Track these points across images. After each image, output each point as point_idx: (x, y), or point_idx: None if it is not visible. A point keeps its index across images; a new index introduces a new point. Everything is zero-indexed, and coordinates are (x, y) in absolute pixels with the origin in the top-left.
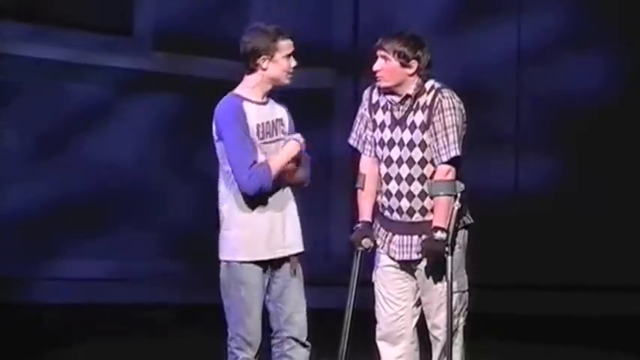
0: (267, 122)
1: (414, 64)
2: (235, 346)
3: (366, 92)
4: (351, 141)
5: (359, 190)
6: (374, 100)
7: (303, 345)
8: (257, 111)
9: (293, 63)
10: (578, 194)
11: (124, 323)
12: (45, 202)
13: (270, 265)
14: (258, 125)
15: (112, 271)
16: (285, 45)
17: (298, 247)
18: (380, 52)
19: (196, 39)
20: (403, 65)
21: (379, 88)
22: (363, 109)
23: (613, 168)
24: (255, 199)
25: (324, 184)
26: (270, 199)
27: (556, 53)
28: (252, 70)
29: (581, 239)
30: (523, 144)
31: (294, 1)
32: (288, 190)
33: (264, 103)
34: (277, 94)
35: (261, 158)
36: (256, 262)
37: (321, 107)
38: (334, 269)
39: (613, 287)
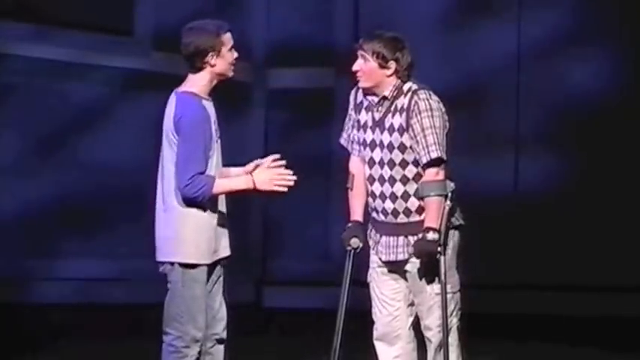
0: (215, 120)
1: (393, 65)
2: (183, 345)
3: (352, 92)
4: (342, 141)
5: (349, 190)
6: (358, 100)
7: (222, 341)
8: (211, 109)
9: (235, 55)
10: (578, 194)
11: (124, 323)
12: (45, 201)
13: (210, 265)
14: (213, 123)
15: (112, 271)
16: (228, 38)
17: (229, 250)
18: (360, 52)
19: None
20: (381, 66)
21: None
22: (350, 109)
23: (613, 168)
24: (208, 203)
25: (324, 183)
26: (221, 203)
27: (556, 52)
28: (199, 69)
29: (581, 239)
30: (523, 144)
31: (295, 1)
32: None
33: (211, 102)
34: (278, 93)
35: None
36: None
37: (321, 107)
38: (334, 269)
39: (613, 287)
